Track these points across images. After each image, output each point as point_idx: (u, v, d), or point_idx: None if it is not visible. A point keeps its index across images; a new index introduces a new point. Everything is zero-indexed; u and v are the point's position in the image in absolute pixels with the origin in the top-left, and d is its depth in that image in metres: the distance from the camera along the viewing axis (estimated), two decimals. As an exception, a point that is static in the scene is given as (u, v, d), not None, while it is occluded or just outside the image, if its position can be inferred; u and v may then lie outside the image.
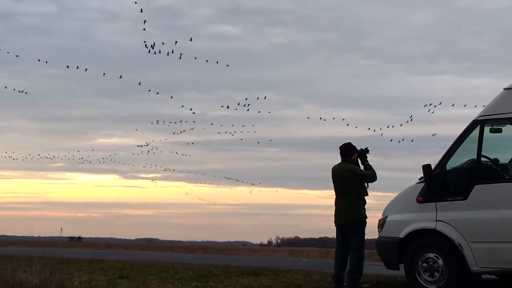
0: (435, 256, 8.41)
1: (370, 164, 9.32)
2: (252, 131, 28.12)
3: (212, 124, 28.93)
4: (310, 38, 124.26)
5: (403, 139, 23.54)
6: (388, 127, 23.24)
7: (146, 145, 32.32)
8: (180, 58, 19.40)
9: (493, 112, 8.40)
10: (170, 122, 27.80)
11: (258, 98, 23.72)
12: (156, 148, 32.56)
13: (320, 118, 27.28)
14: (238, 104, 23.75)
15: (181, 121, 27.19)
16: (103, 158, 38.66)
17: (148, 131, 55.32)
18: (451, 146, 8.66)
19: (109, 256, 18.60)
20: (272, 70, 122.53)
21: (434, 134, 24.70)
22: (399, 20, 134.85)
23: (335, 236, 9.42)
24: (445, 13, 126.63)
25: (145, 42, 19.14)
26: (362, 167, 9.35)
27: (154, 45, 19.03)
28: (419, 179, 8.82)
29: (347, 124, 25.73)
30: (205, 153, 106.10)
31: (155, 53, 19.04)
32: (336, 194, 9.32)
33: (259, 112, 24.73)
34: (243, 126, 27.91)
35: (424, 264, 8.50)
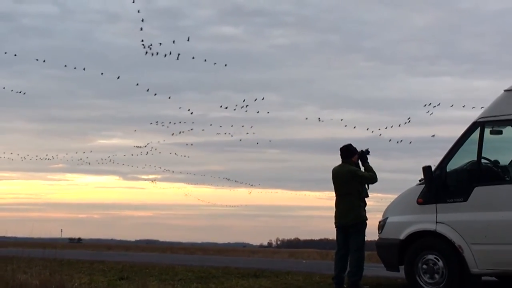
0: (435, 257, 8.41)
1: (371, 165, 9.32)
2: (252, 132, 28.03)
3: (211, 125, 28.84)
4: (311, 39, 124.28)
5: (401, 140, 23.47)
6: (386, 128, 23.17)
7: (145, 146, 32.30)
8: (177, 58, 19.22)
9: (494, 113, 8.40)
10: (170, 123, 27.72)
11: (256, 100, 23.63)
12: (156, 149, 32.46)
13: (319, 119, 27.20)
14: (236, 105, 23.67)
15: (180, 122, 27.06)
16: (103, 159, 38.56)
17: (148, 132, 55.29)
18: (452, 147, 8.66)
19: (109, 257, 18.59)
20: (273, 71, 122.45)
21: (433, 135, 24.64)
22: (400, 22, 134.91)
23: (335, 238, 9.40)
24: (446, 15, 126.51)
25: (142, 42, 18.99)
26: (362, 168, 9.35)
27: (151, 46, 18.90)
28: (419, 180, 8.81)
29: (345, 125, 25.60)
30: (204, 154, 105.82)
31: (152, 54, 18.94)
32: (336, 196, 9.31)
33: (257, 112, 24.61)
34: (242, 126, 27.86)
35: (424, 266, 8.50)
